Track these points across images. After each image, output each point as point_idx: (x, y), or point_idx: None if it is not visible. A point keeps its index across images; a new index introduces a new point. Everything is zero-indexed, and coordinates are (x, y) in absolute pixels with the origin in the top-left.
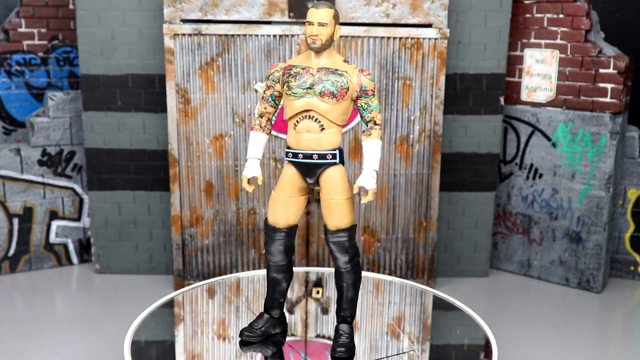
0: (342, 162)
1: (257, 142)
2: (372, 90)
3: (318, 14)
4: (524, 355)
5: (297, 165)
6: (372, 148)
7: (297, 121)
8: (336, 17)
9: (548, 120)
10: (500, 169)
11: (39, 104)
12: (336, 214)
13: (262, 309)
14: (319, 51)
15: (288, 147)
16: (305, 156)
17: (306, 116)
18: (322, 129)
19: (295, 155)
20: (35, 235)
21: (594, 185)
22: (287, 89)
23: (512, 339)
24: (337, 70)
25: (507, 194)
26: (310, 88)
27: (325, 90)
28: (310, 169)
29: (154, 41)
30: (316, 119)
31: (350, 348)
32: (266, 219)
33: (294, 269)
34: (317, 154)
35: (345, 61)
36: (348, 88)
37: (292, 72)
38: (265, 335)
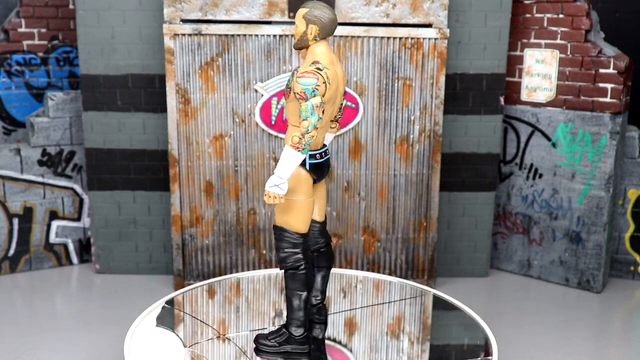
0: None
1: None
2: (299, 94)
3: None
4: (524, 355)
5: None
6: (282, 153)
7: None
8: (308, 17)
9: (548, 120)
10: (500, 169)
11: (39, 104)
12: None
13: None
14: (297, 49)
15: None
16: None
17: None
18: (287, 125)
19: None
20: (35, 235)
21: (594, 185)
22: None
23: (512, 339)
24: (296, 69)
25: (507, 194)
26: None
27: (282, 89)
28: None
29: (154, 41)
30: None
31: (264, 345)
32: None
33: None
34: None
35: (314, 62)
36: (291, 88)
37: None
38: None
